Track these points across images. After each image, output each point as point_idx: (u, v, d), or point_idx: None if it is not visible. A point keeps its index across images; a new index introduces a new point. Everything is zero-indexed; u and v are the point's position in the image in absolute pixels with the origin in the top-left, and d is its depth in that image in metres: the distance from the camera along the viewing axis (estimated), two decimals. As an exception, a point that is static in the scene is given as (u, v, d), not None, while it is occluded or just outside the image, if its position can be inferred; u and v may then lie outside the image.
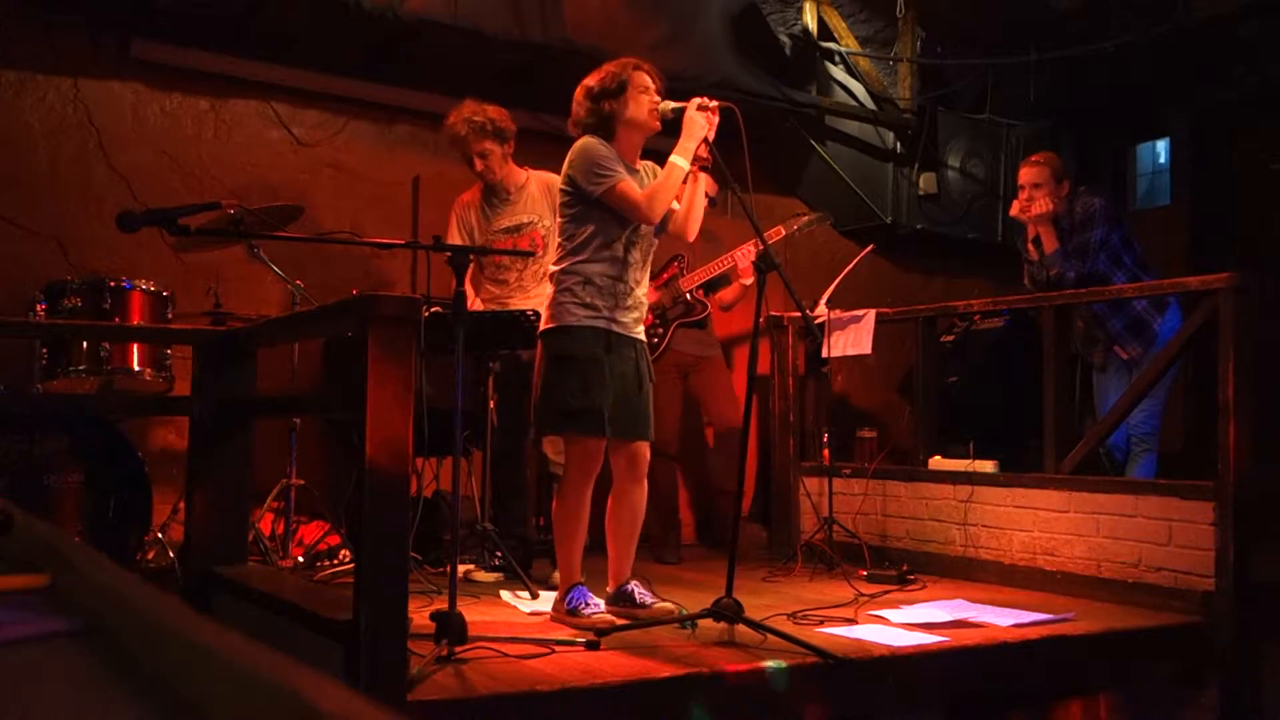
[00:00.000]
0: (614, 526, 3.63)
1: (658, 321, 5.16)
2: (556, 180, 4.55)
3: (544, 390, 3.48)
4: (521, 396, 4.52)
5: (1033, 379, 4.81)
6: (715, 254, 5.17)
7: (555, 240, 4.49)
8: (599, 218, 3.45)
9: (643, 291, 3.57)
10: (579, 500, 3.52)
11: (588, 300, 3.43)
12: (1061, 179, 4.86)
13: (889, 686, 3.20)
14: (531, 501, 4.72)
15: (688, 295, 5.22)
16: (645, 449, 3.58)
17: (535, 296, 4.48)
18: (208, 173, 5.25)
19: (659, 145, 3.62)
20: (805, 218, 5.41)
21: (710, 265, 5.19)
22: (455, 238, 4.61)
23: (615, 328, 3.45)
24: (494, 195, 4.62)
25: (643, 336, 3.58)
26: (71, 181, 4.98)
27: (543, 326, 3.52)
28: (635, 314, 3.53)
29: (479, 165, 4.49)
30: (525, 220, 4.56)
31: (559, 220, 3.58)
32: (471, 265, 4.53)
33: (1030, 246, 4.95)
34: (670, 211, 3.56)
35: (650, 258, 3.61)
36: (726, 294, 5.35)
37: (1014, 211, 4.98)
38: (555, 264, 3.53)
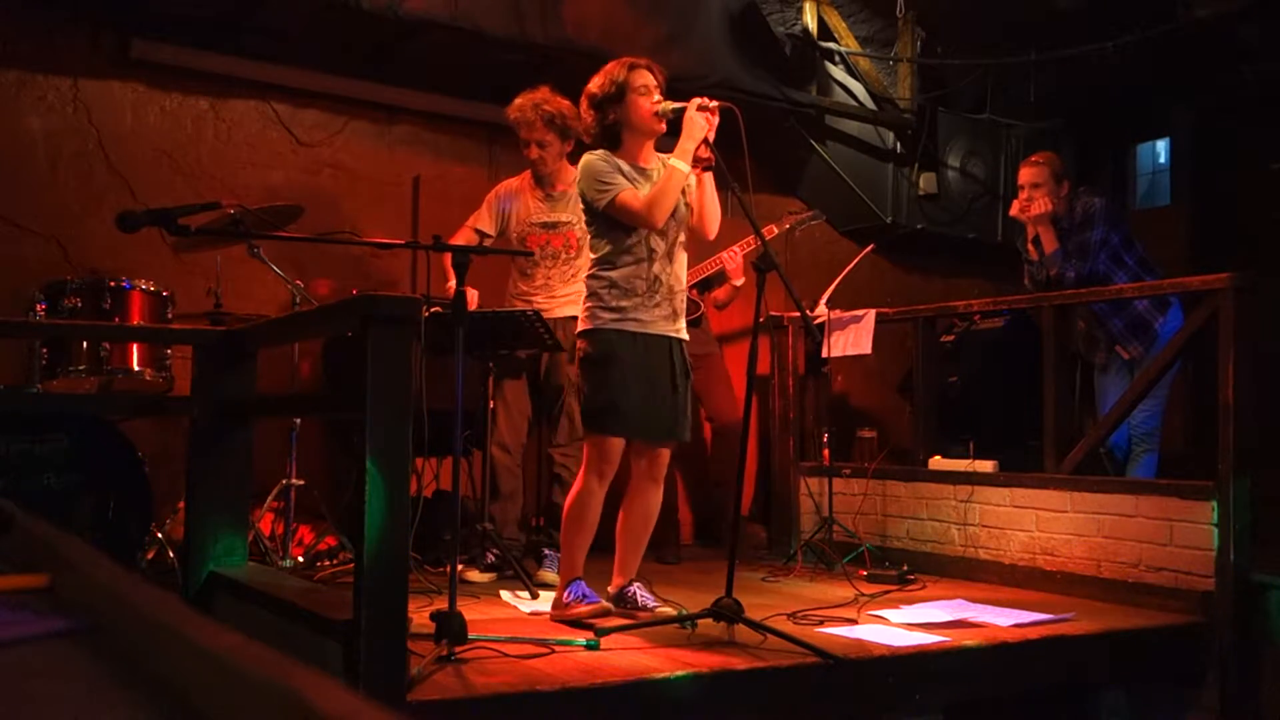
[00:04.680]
0: (625, 526, 3.66)
1: None
2: None
3: (579, 391, 3.60)
4: (548, 398, 4.54)
5: (1032, 379, 4.81)
6: (709, 253, 5.18)
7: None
8: (614, 227, 3.51)
9: (680, 285, 3.59)
10: (592, 500, 3.54)
11: (612, 303, 3.49)
12: (1061, 179, 4.86)
13: (889, 686, 3.20)
14: (529, 501, 4.72)
15: None
16: (667, 452, 3.64)
17: (561, 298, 4.46)
18: (208, 173, 5.25)
19: (666, 147, 3.63)
20: (798, 215, 5.42)
21: (701, 266, 5.20)
22: (484, 219, 4.59)
23: (641, 327, 3.49)
24: (541, 188, 4.60)
25: (679, 334, 3.59)
26: (71, 181, 4.98)
27: (578, 329, 3.62)
28: (666, 309, 3.53)
29: (534, 153, 4.46)
30: (564, 219, 4.52)
31: (588, 233, 3.65)
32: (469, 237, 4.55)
33: (1030, 247, 4.95)
34: (690, 211, 3.61)
35: (680, 248, 3.61)
36: (720, 293, 5.36)
37: (1014, 211, 4.98)
38: (587, 271, 3.62)
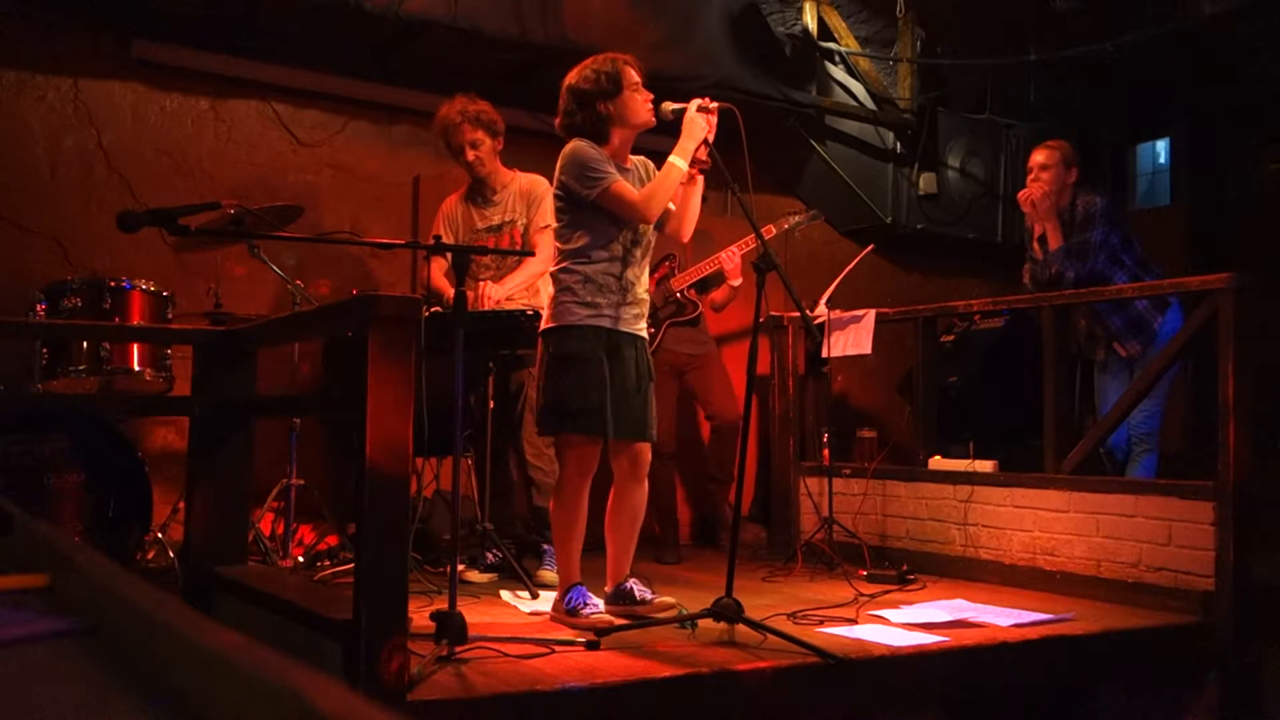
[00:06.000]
0: (614, 526, 3.63)
1: (648, 321, 5.17)
2: (538, 183, 4.56)
3: (544, 390, 3.48)
4: (509, 398, 4.53)
5: (1033, 379, 4.81)
6: (708, 253, 5.19)
7: (531, 238, 4.51)
8: (595, 219, 3.45)
9: (643, 288, 3.58)
10: (576, 500, 3.52)
11: (588, 299, 3.43)
12: (1071, 165, 4.88)
13: (889, 686, 3.20)
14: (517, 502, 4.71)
15: (679, 295, 5.23)
16: (647, 449, 3.59)
17: (518, 299, 4.49)
18: (208, 173, 5.25)
19: (659, 145, 3.62)
20: (797, 216, 5.42)
21: (700, 266, 5.21)
22: (446, 240, 4.62)
23: (617, 325, 3.45)
24: (479, 194, 4.62)
25: (644, 333, 3.58)
26: (71, 181, 4.98)
27: (543, 326, 3.53)
28: (636, 310, 3.53)
29: (470, 155, 4.48)
30: (507, 220, 4.58)
31: (556, 225, 3.58)
32: (447, 261, 4.54)
33: (1035, 245, 4.94)
34: (667, 211, 3.57)
35: (650, 252, 3.62)
36: (718, 294, 5.36)
37: (1021, 195, 4.97)
38: (555, 265, 3.54)
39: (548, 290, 3.58)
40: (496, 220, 4.59)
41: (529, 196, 4.54)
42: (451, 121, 4.45)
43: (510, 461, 4.62)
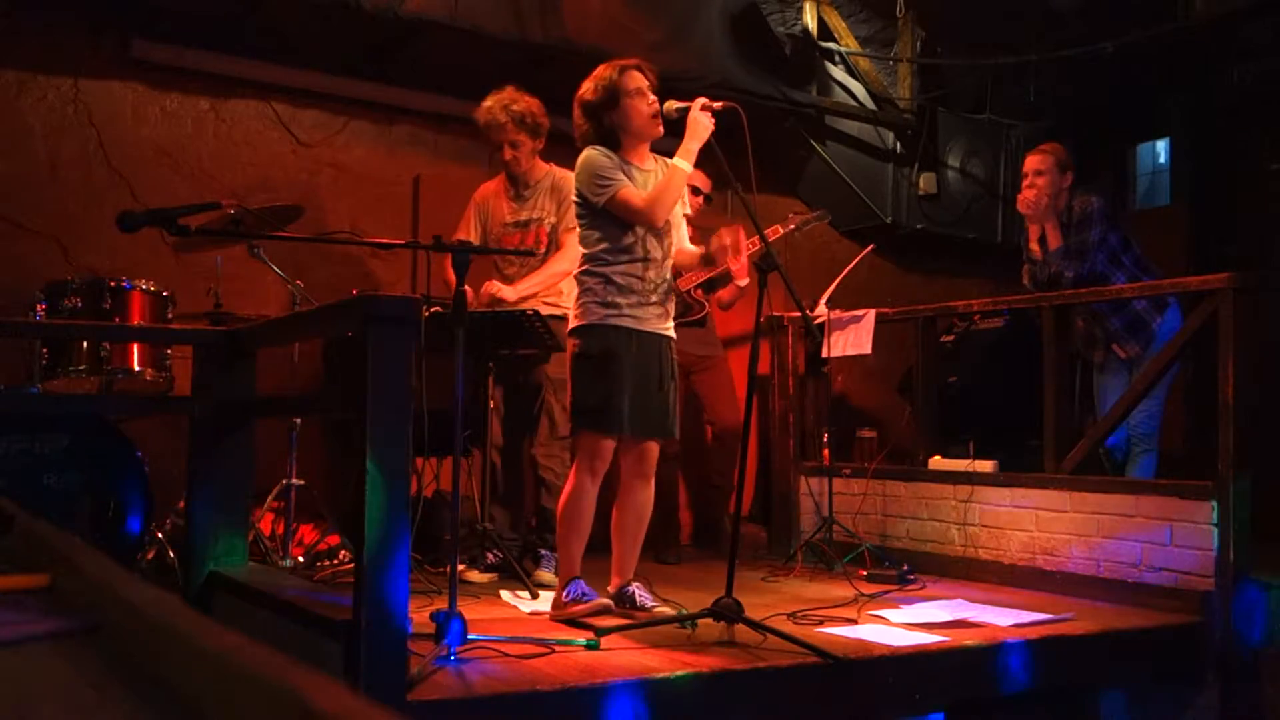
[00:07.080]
0: (619, 525, 3.66)
1: None
2: (568, 180, 4.56)
3: (571, 388, 3.58)
4: (526, 397, 4.53)
5: (1032, 379, 4.81)
6: None
7: (559, 237, 4.50)
8: (611, 223, 3.51)
9: (667, 287, 3.60)
10: (585, 499, 3.54)
11: (608, 299, 3.48)
12: (1066, 169, 4.87)
13: (889, 686, 3.20)
14: (528, 501, 4.72)
15: (685, 295, 5.23)
16: (655, 447, 3.63)
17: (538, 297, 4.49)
18: (208, 173, 5.25)
19: (663, 146, 3.63)
20: (802, 216, 5.42)
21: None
22: (469, 227, 4.62)
23: (637, 324, 3.49)
24: (514, 188, 4.61)
25: (669, 332, 3.61)
26: (71, 181, 4.98)
27: (569, 326, 3.61)
28: (659, 309, 3.56)
29: (508, 154, 4.47)
30: (535, 216, 4.56)
31: (579, 228, 3.62)
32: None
33: (1035, 245, 4.94)
34: (684, 219, 3.63)
35: (673, 251, 3.63)
36: (725, 294, 5.36)
37: (1018, 202, 4.97)
38: (578, 267, 3.59)
39: (572, 292, 3.62)
40: (525, 216, 4.57)
41: (559, 195, 4.53)
42: (496, 120, 4.43)
43: (526, 460, 4.63)
